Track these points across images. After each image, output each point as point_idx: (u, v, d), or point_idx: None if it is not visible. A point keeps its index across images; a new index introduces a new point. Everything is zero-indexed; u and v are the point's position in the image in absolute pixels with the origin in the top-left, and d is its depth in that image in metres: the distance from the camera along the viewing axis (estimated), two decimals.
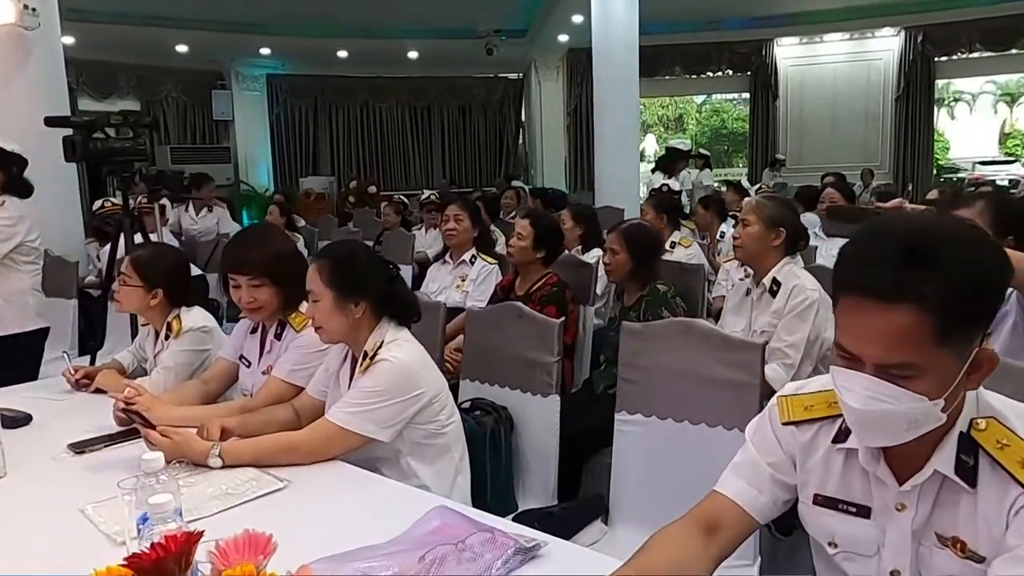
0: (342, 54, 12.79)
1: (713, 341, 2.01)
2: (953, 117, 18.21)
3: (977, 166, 14.63)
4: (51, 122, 3.35)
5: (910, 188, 12.07)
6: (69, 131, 3.34)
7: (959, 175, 14.13)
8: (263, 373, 2.36)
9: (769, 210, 2.67)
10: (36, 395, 2.53)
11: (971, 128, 18.86)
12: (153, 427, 1.89)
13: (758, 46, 13.27)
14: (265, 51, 12.33)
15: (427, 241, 6.07)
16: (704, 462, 2.00)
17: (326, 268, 1.98)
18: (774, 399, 1.31)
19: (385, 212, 7.04)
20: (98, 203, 5.56)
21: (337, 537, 1.45)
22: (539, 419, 2.35)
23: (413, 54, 13.01)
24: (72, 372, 2.60)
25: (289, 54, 12.74)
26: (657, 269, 3.09)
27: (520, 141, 15.18)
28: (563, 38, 12.54)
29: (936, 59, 12.74)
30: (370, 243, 6.49)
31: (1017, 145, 19.75)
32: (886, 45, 13.02)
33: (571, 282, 3.39)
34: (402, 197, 7.67)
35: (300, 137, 13.93)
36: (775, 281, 2.66)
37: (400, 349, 1.96)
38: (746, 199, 2.76)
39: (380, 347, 1.96)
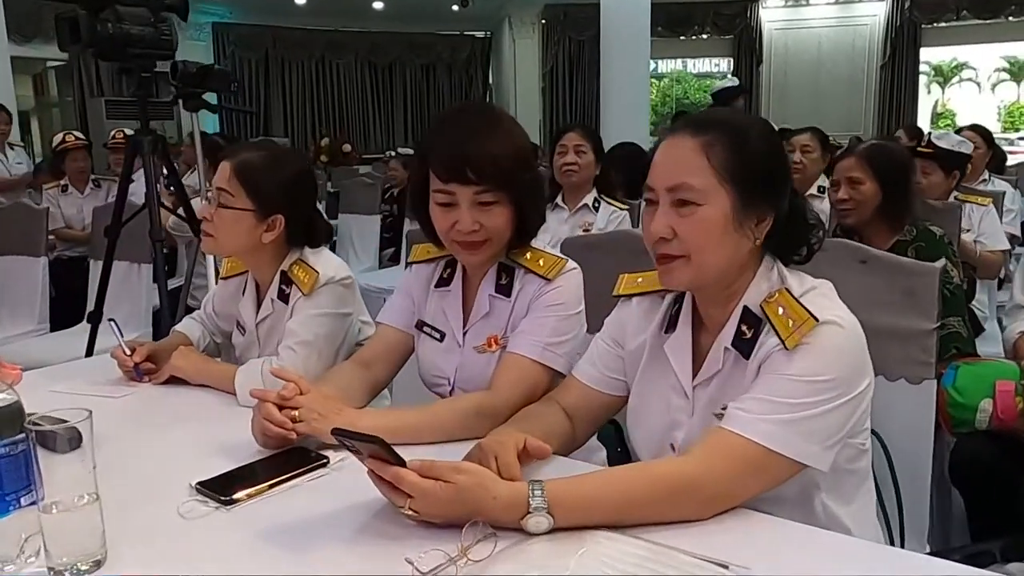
0: (299, 1, 11.53)
1: None
2: None
3: None
4: None
5: None
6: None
7: None
8: (475, 350, 1.45)
9: None
10: (72, 391, 1.53)
11: None
12: (401, 462, 0.97)
13: (743, 7, 12.64)
14: None
15: None
16: None
17: (721, 150, 1.06)
18: None
19: (392, 167, 6.26)
20: (58, 137, 4.41)
21: None
22: (904, 417, 1.52)
23: (379, 4, 11.85)
24: (128, 352, 1.61)
25: None
26: (914, 204, 2.29)
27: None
28: None
29: (923, 26, 12.37)
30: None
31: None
32: (872, 10, 12.58)
33: None
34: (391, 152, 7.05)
35: (250, 94, 12.57)
36: None
37: (835, 305, 1.09)
38: None
39: (787, 300, 1.07)
